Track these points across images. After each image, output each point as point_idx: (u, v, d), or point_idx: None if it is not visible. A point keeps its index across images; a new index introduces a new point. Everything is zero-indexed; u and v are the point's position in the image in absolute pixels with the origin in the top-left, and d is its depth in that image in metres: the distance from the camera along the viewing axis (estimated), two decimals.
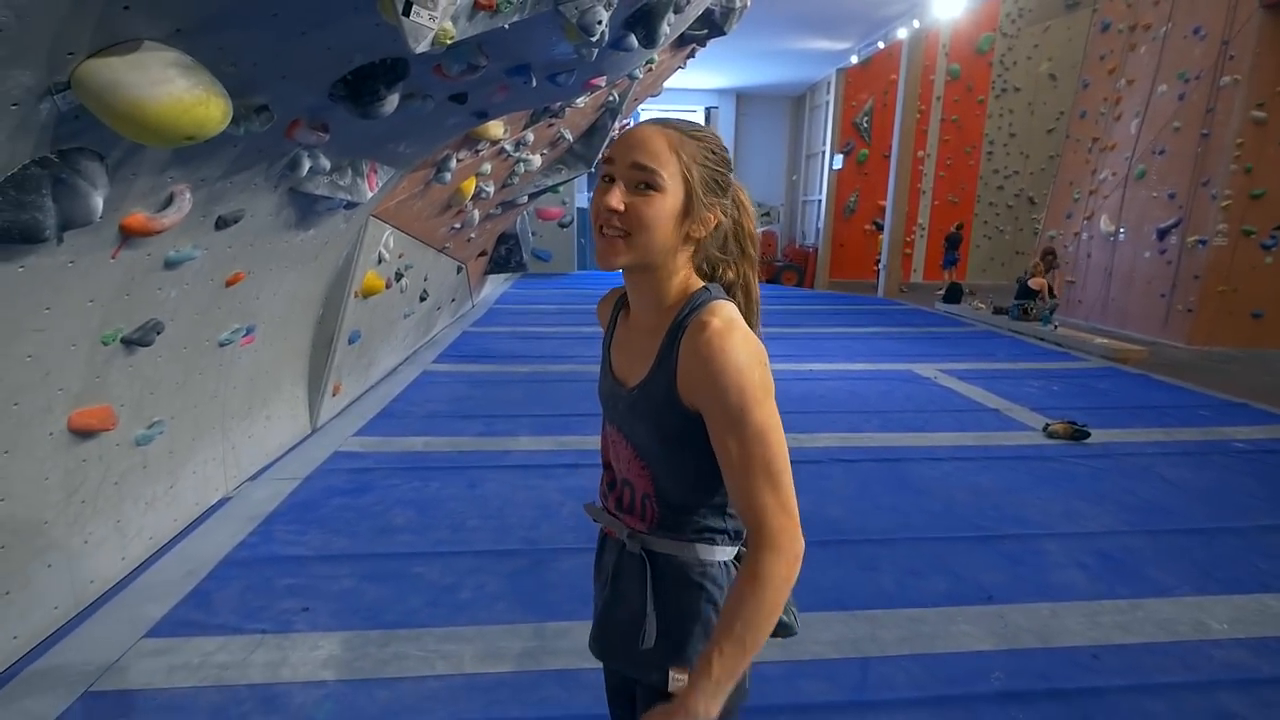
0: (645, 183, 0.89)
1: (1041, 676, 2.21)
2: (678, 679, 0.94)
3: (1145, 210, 9.48)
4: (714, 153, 0.95)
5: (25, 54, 1.36)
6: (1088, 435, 4.57)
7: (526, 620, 2.42)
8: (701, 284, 0.97)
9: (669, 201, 0.90)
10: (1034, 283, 9.12)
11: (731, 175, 0.98)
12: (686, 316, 0.93)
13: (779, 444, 0.88)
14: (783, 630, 1.03)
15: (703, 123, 16.76)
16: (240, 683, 2.07)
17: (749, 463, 0.87)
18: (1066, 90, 13.92)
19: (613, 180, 0.91)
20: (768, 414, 0.87)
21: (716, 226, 0.96)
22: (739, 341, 0.87)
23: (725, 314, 0.90)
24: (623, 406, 1.01)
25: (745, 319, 0.97)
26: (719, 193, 0.95)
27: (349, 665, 2.17)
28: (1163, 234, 9.05)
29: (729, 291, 1.01)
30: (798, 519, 0.88)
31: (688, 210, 0.92)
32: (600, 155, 6.84)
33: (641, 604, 0.99)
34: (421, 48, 1.70)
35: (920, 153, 15.12)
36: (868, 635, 2.39)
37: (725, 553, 1.00)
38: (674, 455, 0.96)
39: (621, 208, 0.89)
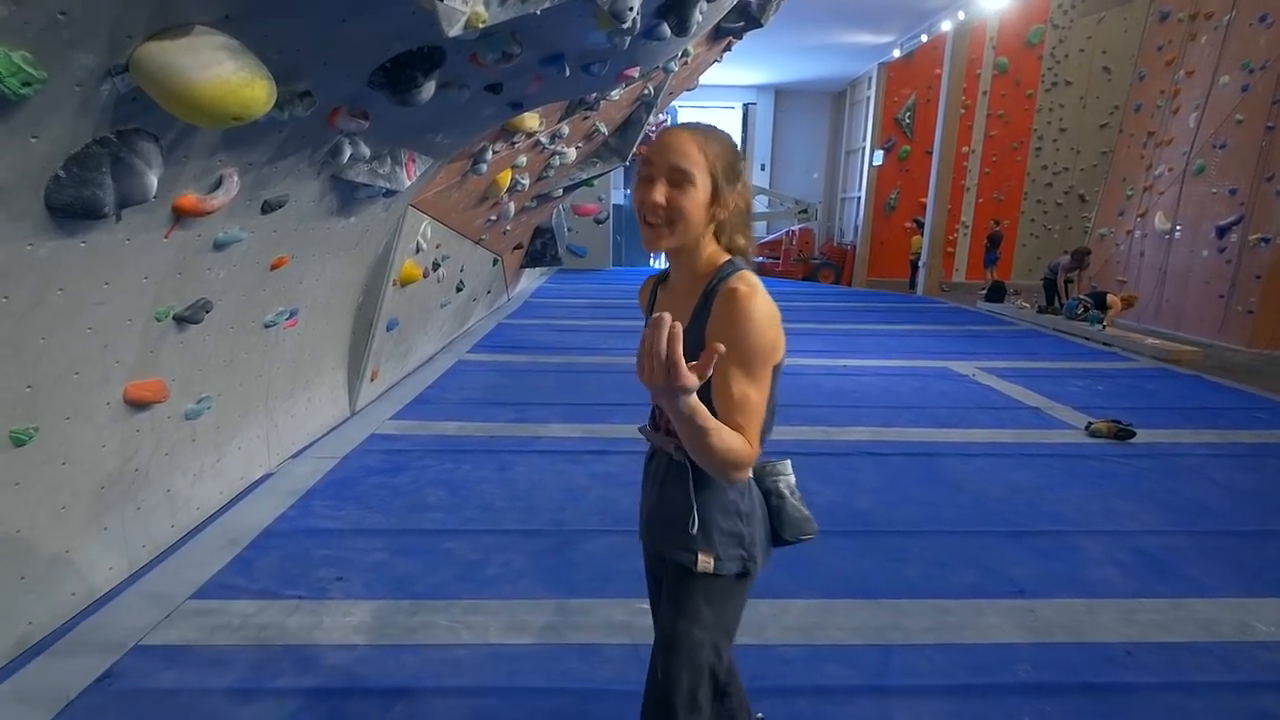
0: (682, 179, 1.13)
1: (1072, 670, 2.16)
2: (705, 561, 1.23)
3: (1203, 207, 9.08)
4: (731, 149, 1.20)
5: (88, 37, 1.46)
6: (1133, 435, 4.41)
7: (550, 596, 2.47)
8: (727, 256, 1.22)
9: (700, 193, 1.15)
10: (1111, 299, 8.77)
11: (742, 164, 1.22)
12: (718, 283, 1.17)
13: (761, 392, 1.12)
14: (806, 531, 1.34)
15: (740, 119, 16.84)
16: (277, 642, 2.17)
17: (734, 396, 1.10)
18: (1121, 83, 13.39)
19: (653, 180, 1.14)
20: (761, 369, 1.12)
21: (734, 207, 1.20)
22: (761, 304, 1.12)
23: (752, 280, 1.15)
24: None
25: None
26: (736, 180, 1.19)
27: (379, 631, 2.25)
28: (1222, 232, 8.65)
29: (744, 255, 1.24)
30: (758, 444, 1.12)
31: (715, 198, 1.16)
32: (634, 152, 7.04)
33: (686, 501, 1.25)
34: (454, 31, 1.75)
35: (965, 149, 14.77)
36: (891, 623, 2.37)
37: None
38: (708, 393, 1.14)
39: (664, 202, 1.14)
